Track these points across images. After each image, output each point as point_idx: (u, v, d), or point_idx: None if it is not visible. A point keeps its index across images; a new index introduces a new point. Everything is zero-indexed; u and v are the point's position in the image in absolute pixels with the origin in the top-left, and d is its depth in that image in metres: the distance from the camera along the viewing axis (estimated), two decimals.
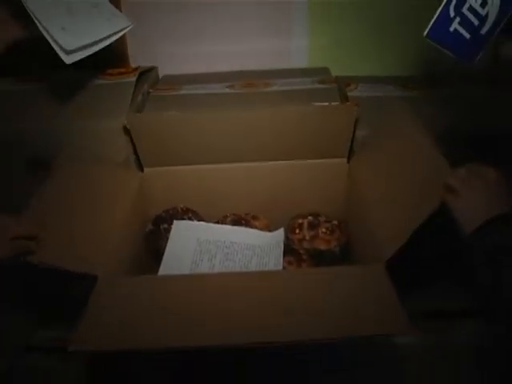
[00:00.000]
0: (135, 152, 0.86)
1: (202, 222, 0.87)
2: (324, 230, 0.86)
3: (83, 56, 0.76)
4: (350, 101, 0.87)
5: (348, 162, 0.87)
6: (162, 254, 0.81)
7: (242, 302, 0.58)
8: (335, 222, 0.87)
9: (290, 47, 1.07)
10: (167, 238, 0.84)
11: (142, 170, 0.89)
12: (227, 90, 0.94)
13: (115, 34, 0.82)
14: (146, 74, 0.98)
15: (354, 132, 0.83)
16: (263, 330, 0.54)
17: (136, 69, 0.96)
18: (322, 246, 0.84)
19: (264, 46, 1.06)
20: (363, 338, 0.56)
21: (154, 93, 0.94)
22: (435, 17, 0.63)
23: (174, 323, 0.55)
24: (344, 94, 0.90)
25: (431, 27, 0.64)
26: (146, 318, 0.56)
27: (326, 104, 0.80)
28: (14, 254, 0.60)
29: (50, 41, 0.72)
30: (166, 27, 1.03)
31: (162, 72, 1.05)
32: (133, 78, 0.91)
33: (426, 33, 0.64)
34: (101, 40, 0.79)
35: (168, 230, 0.85)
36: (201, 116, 0.82)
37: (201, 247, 0.82)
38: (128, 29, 0.85)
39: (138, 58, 1.05)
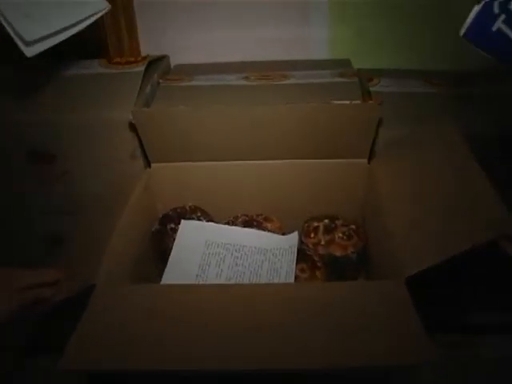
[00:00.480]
0: (142, 147, 0.81)
1: (211, 223, 0.82)
2: (341, 234, 0.80)
3: (48, 46, 0.68)
4: (372, 97, 0.81)
5: (369, 163, 0.82)
6: (169, 255, 0.77)
7: (247, 322, 0.54)
8: (353, 227, 0.82)
9: (308, 37, 1.01)
10: (174, 239, 0.79)
11: (150, 166, 0.84)
12: (242, 82, 0.88)
13: (89, 18, 0.73)
14: (156, 63, 0.93)
15: (377, 131, 0.77)
16: (265, 356, 0.49)
17: (145, 57, 0.90)
18: (338, 252, 0.79)
19: (281, 35, 1.00)
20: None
21: (164, 83, 0.89)
22: (475, 14, 0.53)
23: (171, 344, 0.51)
24: (366, 90, 0.84)
25: (470, 26, 0.53)
26: (142, 336, 0.52)
27: (347, 103, 0.74)
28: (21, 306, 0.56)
29: (9, 30, 0.63)
30: (180, 14, 0.98)
31: (174, 61, 1.00)
32: (141, 68, 0.86)
33: (462, 32, 0.54)
34: (71, 26, 0.71)
35: (175, 230, 0.80)
36: (212, 111, 0.76)
37: (209, 250, 0.77)
38: (105, 11, 0.76)
39: (149, 46, 1.00)
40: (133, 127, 0.77)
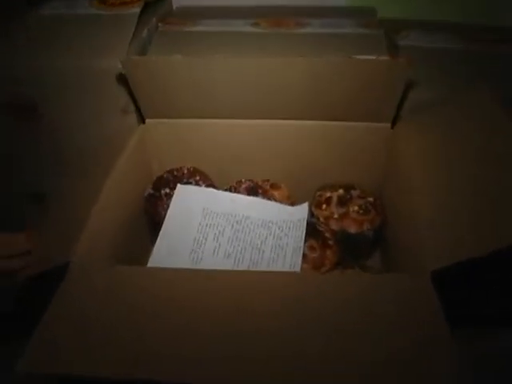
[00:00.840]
0: (135, 100, 0.71)
1: (210, 189, 0.73)
2: (356, 208, 0.71)
3: None
4: (400, 53, 0.70)
5: (392, 128, 0.72)
6: (162, 224, 0.68)
7: (238, 323, 0.45)
8: (370, 200, 0.73)
9: None
10: (168, 206, 0.70)
11: (144, 122, 0.74)
12: (251, 29, 0.78)
13: None
14: (155, 4, 0.82)
15: (404, 93, 0.67)
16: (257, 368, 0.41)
17: None
18: (353, 229, 0.70)
19: None
20: None
21: (164, 28, 0.78)
22: None
23: (149, 346, 0.42)
24: (393, 44, 0.73)
25: None
26: (117, 333, 0.44)
27: (373, 58, 0.63)
28: None
29: None
30: None
31: (176, 3, 0.88)
32: (137, 9, 0.75)
33: None
34: None
35: (170, 196, 0.71)
36: (215, 62, 0.66)
37: (206, 220, 0.68)
38: None
39: None
40: (124, 78, 0.67)
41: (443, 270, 0.49)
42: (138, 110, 0.72)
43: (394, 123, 0.71)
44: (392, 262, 0.70)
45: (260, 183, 0.75)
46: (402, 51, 0.71)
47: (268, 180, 0.76)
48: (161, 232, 0.66)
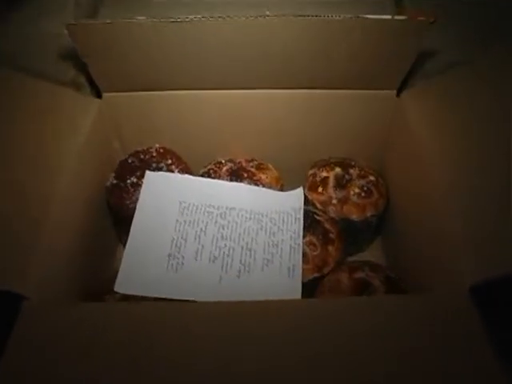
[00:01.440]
0: (85, 71, 0.57)
1: (186, 176, 0.61)
2: (357, 190, 0.61)
3: None
4: (409, 10, 0.58)
5: (398, 95, 0.61)
6: (130, 220, 0.56)
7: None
8: (372, 179, 0.62)
9: None
10: (137, 199, 0.58)
11: (100, 96, 0.61)
12: None
13: None
14: None
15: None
16: None
17: None
18: (355, 215, 0.60)
19: None
20: None
21: None
22: None
23: None
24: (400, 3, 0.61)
25: None
26: None
27: (386, 18, 0.51)
28: None
29: None
30: None
31: None
32: None
33: None
34: None
35: (137, 186, 0.60)
36: (188, 24, 0.52)
37: (184, 216, 0.57)
38: None
39: None
40: (71, 45, 0.53)
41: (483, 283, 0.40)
42: (92, 83, 0.59)
43: (400, 91, 0.60)
44: (399, 251, 0.61)
45: (243, 164, 0.64)
46: (409, 8, 0.59)
47: (252, 160, 0.65)
48: (130, 234, 0.55)
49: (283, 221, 0.58)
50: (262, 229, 0.57)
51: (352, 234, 0.62)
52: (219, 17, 0.51)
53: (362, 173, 0.63)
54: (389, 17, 0.49)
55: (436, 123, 0.54)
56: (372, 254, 0.67)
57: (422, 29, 0.50)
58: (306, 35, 0.52)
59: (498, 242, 0.41)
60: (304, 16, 0.50)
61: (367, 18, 0.49)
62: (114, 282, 0.52)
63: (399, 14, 0.56)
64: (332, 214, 0.60)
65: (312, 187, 0.63)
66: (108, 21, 0.49)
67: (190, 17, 0.50)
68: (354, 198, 0.61)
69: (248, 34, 0.53)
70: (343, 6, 0.57)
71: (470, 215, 0.44)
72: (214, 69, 0.58)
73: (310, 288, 0.54)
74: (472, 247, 0.43)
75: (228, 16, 0.52)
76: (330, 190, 0.62)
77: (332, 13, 0.49)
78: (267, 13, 0.51)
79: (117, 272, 0.53)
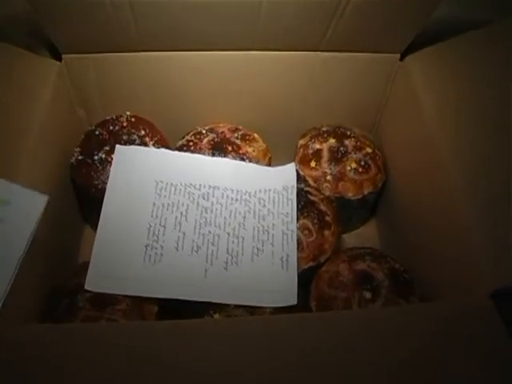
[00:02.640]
0: (39, 30, 0.48)
1: (162, 150, 0.54)
2: (354, 165, 0.55)
3: None
4: None
5: (401, 59, 0.54)
6: (98, 202, 0.49)
7: None
8: (369, 151, 0.56)
9: None
10: (107, 178, 0.51)
11: (60, 59, 0.52)
12: None
13: None
14: None
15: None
16: None
17: None
18: (351, 193, 0.54)
19: None
20: None
21: None
22: None
23: None
24: None
25: None
26: None
27: None
28: None
29: None
30: None
31: None
32: None
33: None
34: None
35: (106, 162, 0.52)
36: None
37: (162, 199, 0.50)
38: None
39: None
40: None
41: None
42: (50, 44, 0.50)
43: (404, 55, 0.54)
44: (397, 233, 0.56)
45: (227, 135, 0.57)
46: None
47: (236, 129, 0.58)
48: (100, 221, 0.48)
49: (274, 202, 0.51)
50: (250, 211, 0.51)
51: (347, 213, 0.56)
52: None
53: (359, 144, 0.57)
54: None
55: (441, 90, 0.48)
56: (366, 232, 0.62)
57: None
58: None
59: None
60: None
61: None
62: (83, 276, 0.45)
63: None
64: (327, 192, 0.54)
65: (303, 161, 0.56)
66: None
67: None
68: (351, 174, 0.55)
69: None
70: None
71: (486, 205, 0.39)
72: (192, 26, 0.49)
73: (304, 278, 0.48)
74: (491, 245, 0.38)
75: None
76: (324, 164, 0.55)
77: None
78: None
79: (85, 262, 0.47)
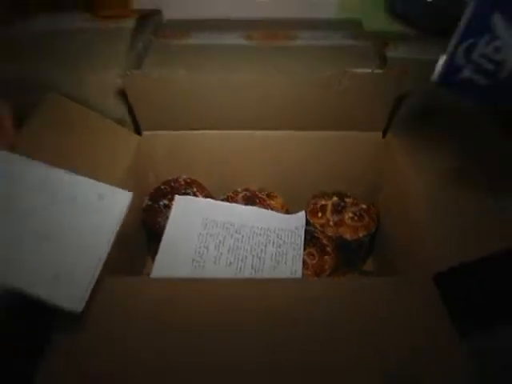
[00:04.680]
0: (131, 112, 0.71)
1: (208, 199, 0.74)
2: (351, 215, 0.73)
3: None
4: (389, 64, 0.72)
5: (383, 136, 0.74)
6: (161, 235, 0.69)
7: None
8: (363, 206, 0.75)
9: None
10: (167, 217, 0.71)
11: (140, 134, 0.75)
12: (243, 42, 0.79)
13: None
14: (148, 18, 0.83)
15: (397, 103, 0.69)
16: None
17: (136, 12, 0.80)
18: (348, 235, 0.72)
19: None
20: None
21: (157, 41, 0.79)
22: (442, 63, 0.47)
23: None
24: (381, 55, 0.76)
25: (439, 75, 0.47)
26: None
27: (367, 72, 0.65)
28: None
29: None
30: None
31: (168, 16, 0.89)
32: (132, 23, 0.76)
33: (434, 79, 0.48)
34: None
35: (168, 207, 0.72)
36: (210, 76, 0.67)
37: (206, 230, 0.69)
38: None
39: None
40: (122, 91, 0.68)
41: (446, 272, 0.51)
42: (135, 122, 0.73)
43: (385, 132, 0.73)
44: (388, 266, 0.72)
45: (256, 193, 0.77)
46: (391, 63, 0.73)
47: (263, 189, 0.78)
48: (162, 242, 0.67)
49: (288, 236, 0.69)
50: (269, 242, 0.69)
51: (347, 252, 0.73)
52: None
53: (355, 201, 0.75)
54: (369, 70, 0.63)
55: (418, 161, 0.67)
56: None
57: (399, 78, 0.64)
58: (304, 87, 0.67)
59: None
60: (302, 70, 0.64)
61: (352, 71, 0.63)
62: None
63: (380, 66, 0.70)
64: (329, 234, 0.72)
65: (312, 212, 0.75)
66: (154, 75, 0.64)
67: (216, 73, 0.65)
68: (349, 221, 0.73)
69: (257, 89, 0.68)
70: (333, 58, 0.72)
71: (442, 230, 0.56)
72: (234, 114, 0.72)
73: None
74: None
75: (244, 74, 0.67)
76: (328, 214, 0.74)
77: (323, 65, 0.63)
78: None
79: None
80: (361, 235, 0.72)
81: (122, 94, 0.69)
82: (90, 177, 0.59)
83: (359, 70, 0.64)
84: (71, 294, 0.45)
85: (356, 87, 0.66)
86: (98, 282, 0.48)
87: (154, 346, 0.46)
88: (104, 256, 0.50)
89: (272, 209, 0.74)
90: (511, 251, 0.48)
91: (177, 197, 0.73)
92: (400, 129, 0.72)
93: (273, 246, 0.68)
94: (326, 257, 0.68)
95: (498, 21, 0.42)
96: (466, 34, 0.44)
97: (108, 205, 0.53)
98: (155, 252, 0.67)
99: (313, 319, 0.48)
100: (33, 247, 0.46)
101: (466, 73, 0.46)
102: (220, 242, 0.68)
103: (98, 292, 0.48)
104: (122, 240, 0.65)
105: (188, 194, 0.75)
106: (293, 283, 0.57)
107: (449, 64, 0.46)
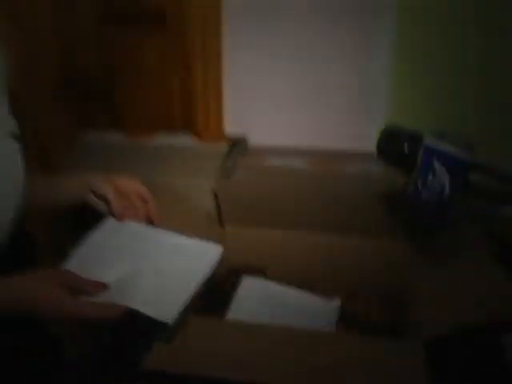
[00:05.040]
0: (217, 210, 0.97)
1: (269, 281, 0.96)
2: (378, 304, 0.93)
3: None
4: None
5: None
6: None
7: None
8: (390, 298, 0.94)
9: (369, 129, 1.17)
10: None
11: (223, 227, 1.00)
12: (305, 167, 1.05)
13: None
14: (237, 141, 1.12)
15: None
16: None
17: (228, 137, 1.10)
18: (375, 319, 0.91)
19: (343, 123, 1.17)
20: None
21: (243, 160, 1.07)
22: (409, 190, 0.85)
23: None
24: None
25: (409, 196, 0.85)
26: None
27: None
28: None
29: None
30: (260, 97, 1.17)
31: (252, 142, 1.18)
32: (225, 147, 1.05)
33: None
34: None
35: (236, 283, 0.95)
36: (281, 188, 0.93)
37: (261, 306, 0.91)
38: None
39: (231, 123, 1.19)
40: (213, 193, 0.95)
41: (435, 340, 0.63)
42: (220, 218, 0.98)
43: None
44: None
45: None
46: None
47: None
48: (231, 308, 0.89)
49: (323, 315, 0.90)
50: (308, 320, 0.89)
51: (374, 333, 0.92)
52: None
53: (383, 292, 0.95)
54: None
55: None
56: None
57: None
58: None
59: None
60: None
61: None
62: None
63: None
64: (360, 318, 0.92)
65: (347, 301, 0.95)
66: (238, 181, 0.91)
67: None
68: (376, 309, 0.92)
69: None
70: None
71: None
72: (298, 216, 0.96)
73: None
74: None
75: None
76: (359, 303, 0.94)
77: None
78: None
79: None
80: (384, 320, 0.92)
81: (213, 195, 0.95)
82: None
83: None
84: (167, 311, 0.64)
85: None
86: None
87: None
88: (192, 291, 0.68)
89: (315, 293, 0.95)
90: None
91: (245, 276, 0.95)
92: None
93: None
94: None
95: (436, 164, 0.79)
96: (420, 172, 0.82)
97: (201, 254, 0.76)
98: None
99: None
100: (149, 279, 0.70)
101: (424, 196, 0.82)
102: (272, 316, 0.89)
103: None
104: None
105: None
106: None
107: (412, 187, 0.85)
